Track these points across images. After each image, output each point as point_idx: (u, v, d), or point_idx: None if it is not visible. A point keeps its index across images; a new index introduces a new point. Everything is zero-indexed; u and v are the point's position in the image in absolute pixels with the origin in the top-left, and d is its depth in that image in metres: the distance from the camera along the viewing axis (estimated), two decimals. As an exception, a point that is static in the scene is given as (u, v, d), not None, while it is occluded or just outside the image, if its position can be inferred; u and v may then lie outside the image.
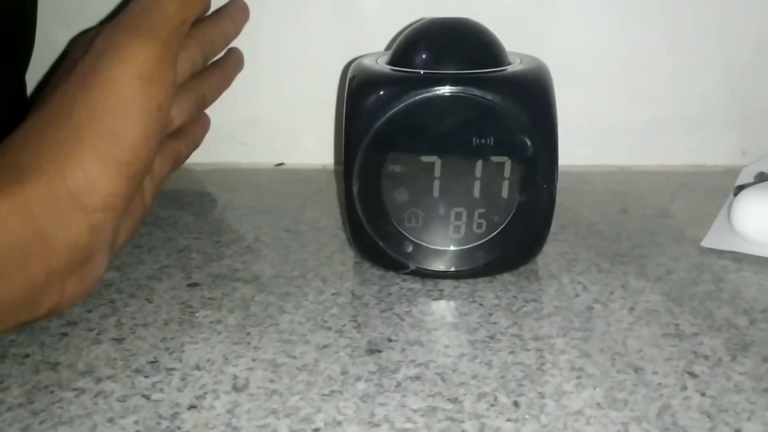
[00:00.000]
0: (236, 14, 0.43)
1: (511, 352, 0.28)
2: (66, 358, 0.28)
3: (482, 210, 0.33)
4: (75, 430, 0.24)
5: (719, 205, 0.41)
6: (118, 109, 0.29)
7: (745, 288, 0.33)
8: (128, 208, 0.31)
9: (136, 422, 0.25)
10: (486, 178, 0.32)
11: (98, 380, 0.27)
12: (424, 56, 0.33)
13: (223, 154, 0.50)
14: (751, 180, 0.43)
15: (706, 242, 0.37)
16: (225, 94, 0.43)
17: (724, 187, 0.43)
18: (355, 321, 0.31)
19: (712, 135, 0.50)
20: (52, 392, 0.26)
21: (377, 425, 0.24)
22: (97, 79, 0.29)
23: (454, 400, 0.26)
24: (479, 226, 0.33)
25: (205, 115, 0.44)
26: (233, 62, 0.45)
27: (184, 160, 0.41)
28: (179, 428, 0.24)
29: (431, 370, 0.27)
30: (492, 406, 0.25)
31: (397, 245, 0.34)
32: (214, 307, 0.32)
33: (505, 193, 0.33)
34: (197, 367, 0.28)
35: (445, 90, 0.32)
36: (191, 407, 0.25)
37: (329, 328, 0.30)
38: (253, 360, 0.28)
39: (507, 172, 0.32)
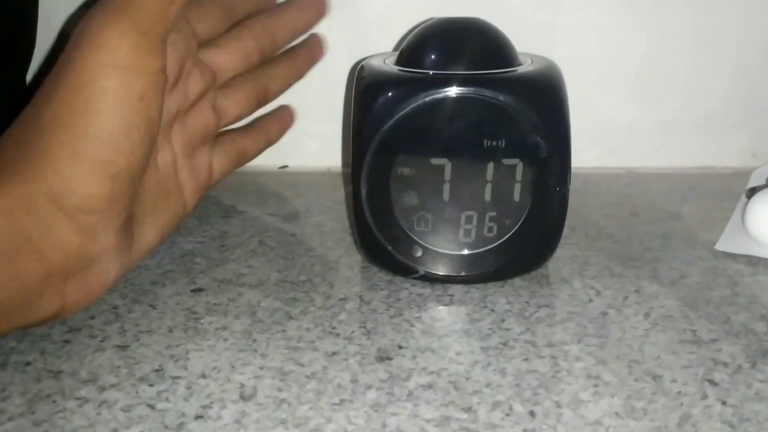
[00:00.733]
0: (307, 6, 0.41)
1: (525, 359, 0.28)
2: (68, 366, 0.28)
3: (493, 213, 0.32)
4: (78, 441, 0.24)
5: (730, 208, 0.40)
6: (92, 102, 0.26)
7: (762, 292, 0.33)
8: (127, 210, 0.29)
9: (141, 433, 0.24)
10: (497, 181, 0.32)
11: (101, 389, 0.26)
12: (433, 57, 0.33)
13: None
14: (763, 182, 0.42)
15: (720, 246, 0.37)
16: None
17: (734, 189, 0.43)
18: (364, 327, 0.30)
19: (721, 137, 0.49)
20: (54, 401, 0.26)
21: (390, 436, 0.24)
22: (70, 69, 0.27)
23: (468, 410, 0.25)
24: (490, 230, 0.33)
25: (287, 109, 0.42)
26: (306, 52, 0.42)
27: (253, 157, 0.39)
28: (186, 439, 0.24)
29: (443, 378, 0.27)
30: (507, 415, 0.25)
31: (406, 249, 0.33)
32: (219, 313, 0.31)
33: (516, 197, 0.32)
34: (203, 376, 0.27)
35: (455, 91, 0.31)
36: (198, 417, 0.25)
37: (338, 335, 0.30)
38: (261, 368, 0.27)
39: (519, 175, 0.32)
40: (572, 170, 0.32)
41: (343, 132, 0.49)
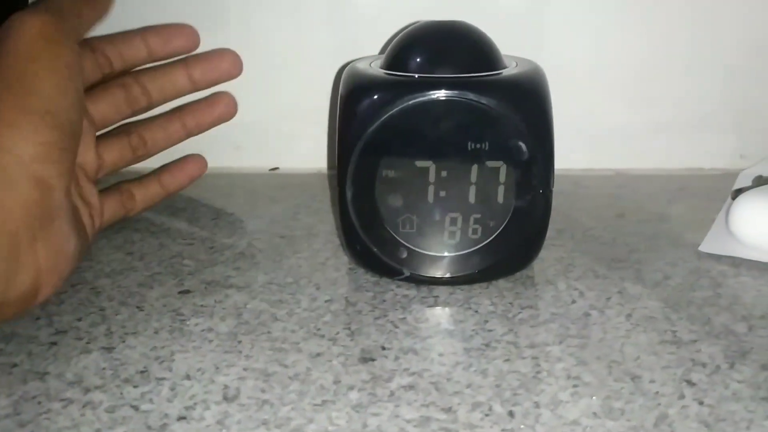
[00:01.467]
0: (195, 68, 0.42)
1: (507, 360, 0.28)
2: (54, 367, 0.28)
3: (478, 215, 0.33)
4: (62, 442, 0.24)
5: (717, 209, 0.41)
6: (31, 68, 0.31)
7: (744, 294, 0.33)
8: (72, 172, 0.32)
9: (124, 434, 0.24)
10: (481, 183, 0.32)
11: (86, 390, 0.26)
12: (418, 60, 0.33)
13: (217, 158, 0.50)
14: (750, 183, 0.43)
15: (704, 247, 0.37)
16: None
17: (722, 190, 0.43)
18: (349, 329, 0.30)
19: (710, 139, 0.49)
20: (39, 403, 0.26)
21: (370, 436, 0.24)
22: (8, 44, 0.31)
23: (448, 410, 0.25)
24: (474, 231, 0.33)
25: (193, 159, 0.44)
26: (200, 111, 0.44)
27: (144, 204, 0.41)
28: (168, 440, 0.24)
29: (425, 379, 0.27)
30: (486, 416, 0.25)
31: (392, 251, 0.33)
32: (205, 314, 0.32)
33: (500, 198, 0.32)
34: (187, 377, 0.27)
35: (440, 94, 0.31)
36: (180, 418, 0.25)
37: (322, 336, 0.30)
38: (245, 369, 0.28)
39: (502, 177, 0.32)
40: (561, 172, 0.33)
41: (330, 135, 0.49)
